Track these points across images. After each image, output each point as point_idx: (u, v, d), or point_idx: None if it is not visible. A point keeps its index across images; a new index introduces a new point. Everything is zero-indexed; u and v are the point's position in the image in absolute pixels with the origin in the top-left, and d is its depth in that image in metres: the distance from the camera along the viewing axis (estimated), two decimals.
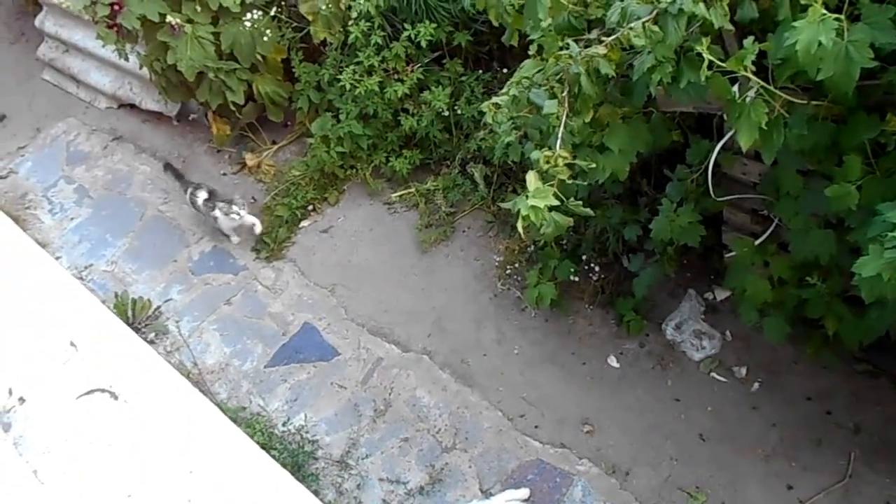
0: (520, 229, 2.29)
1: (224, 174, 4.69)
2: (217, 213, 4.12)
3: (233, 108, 4.37)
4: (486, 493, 3.13)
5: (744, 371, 3.27)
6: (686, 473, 3.04)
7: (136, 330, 3.88)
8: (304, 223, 4.36)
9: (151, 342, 3.93)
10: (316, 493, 3.25)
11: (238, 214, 4.07)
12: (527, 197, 2.25)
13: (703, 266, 3.54)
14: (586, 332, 3.59)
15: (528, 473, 3.18)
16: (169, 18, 3.93)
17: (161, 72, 4.29)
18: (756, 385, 3.21)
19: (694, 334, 3.43)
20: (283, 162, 4.62)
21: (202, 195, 4.22)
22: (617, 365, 3.44)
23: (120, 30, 4.08)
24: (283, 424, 3.56)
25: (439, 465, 3.29)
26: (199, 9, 4.04)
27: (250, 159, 4.63)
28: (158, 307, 4.12)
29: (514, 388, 3.46)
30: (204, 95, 4.30)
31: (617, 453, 3.17)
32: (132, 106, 5.09)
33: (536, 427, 3.32)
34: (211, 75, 4.17)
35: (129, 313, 4.04)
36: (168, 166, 4.55)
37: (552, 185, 2.25)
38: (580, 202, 2.29)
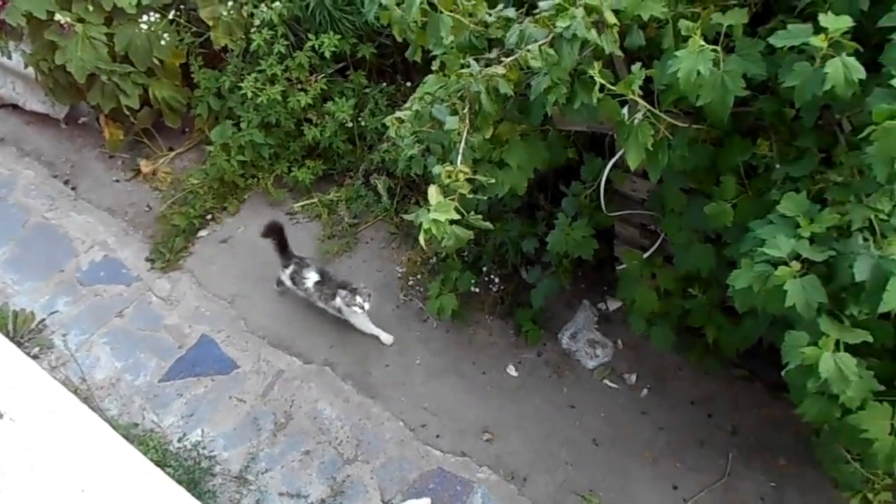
0: (422, 242, 2.33)
1: (117, 181, 4.51)
2: (339, 302, 3.57)
3: (127, 112, 4.22)
4: (388, 503, 3.15)
5: (634, 378, 3.43)
6: (580, 478, 3.16)
7: (18, 344, 3.67)
8: (202, 233, 4.25)
9: (35, 357, 3.72)
10: None
11: (361, 307, 3.51)
12: (429, 210, 2.29)
13: (597, 278, 3.70)
14: (486, 343, 3.67)
15: (430, 482, 3.21)
16: (58, 17, 3.76)
17: (48, 72, 4.09)
18: (645, 391, 3.38)
19: (588, 343, 3.57)
20: (181, 169, 4.49)
21: (312, 276, 3.66)
22: (516, 374, 3.54)
23: (3, 26, 3.87)
24: (179, 440, 3.45)
25: (341, 477, 3.27)
26: (91, 8, 3.89)
27: (145, 166, 4.48)
28: (43, 320, 3.91)
29: (415, 398, 3.49)
30: (96, 98, 4.13)
31: (516, 460, 3.25)
32: (14, 107, 4.82)
33: (438, 436, 3.36)
34: (104, 78, 4.01)
35: (10, 327, 3.82)
36: (273, 229, 3.75)
37: (453, 200, 2.31)
38: (480, 216, 2.36)
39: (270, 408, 3.54)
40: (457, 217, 2.26)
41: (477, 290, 3.68)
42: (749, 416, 3.24)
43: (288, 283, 3.75)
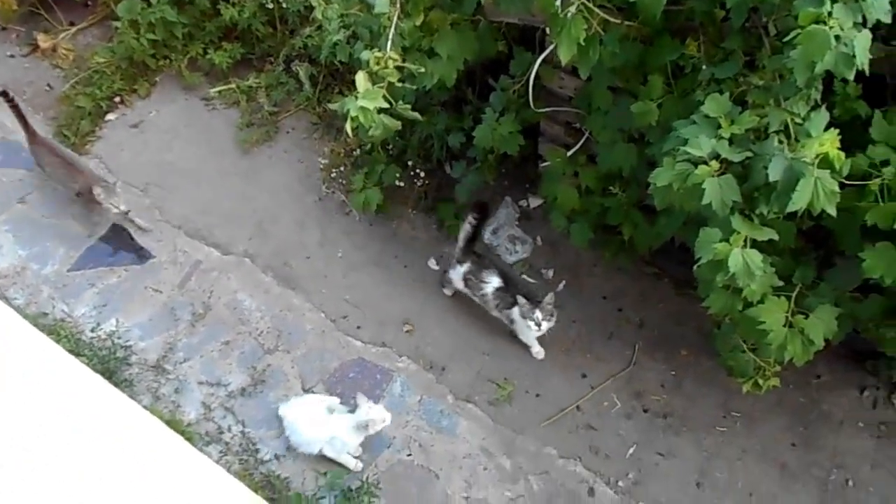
0: (348, 130, 2.28)
1: (11, 56, 4.16)
2: (516, 314, 3.13)
3: None
4: (308, 391, 3.20)
5: (551, 273, 3.54)
6: (496, 367, 3.29)
7: None
8: (110, 116, 4.01)
9: None
10: (130, 398, 3.15)
11: (538, 325, 3.05)
12: (356, 98, 2.23)
13: (520, 175, 3.73)
14: (409, 236, 3.69)
15: (350, 371, 3.28)
16: None
17: None
18: (561, 286, 3.50)
19: (509, 239, 3.64)
20: (84, 46, 4.17)
21: (493, 281, 3.17)
22: (437, 267, 3.59)
23: None
24: (92, 330, 3.37)
25: (261, 366, 3.29)
26: None
27: (44, 41, 4.14)
28: None
29: (337, 290, 3.51)
30: None
31: (434, 350, 3.35)
32: None
33: (359, 328, 3.41)
34: None
35: None
36: (480, 208, 3.22)
37: (382, 88, 2.25)
38: (408, 106, 2.31)
39: (188, 298, 3.48)
40: (385, 106, 2.21)
41: (401, 183, 3.65)
42: (655, 310, 3.41)
43: (459, 284, 3.29)
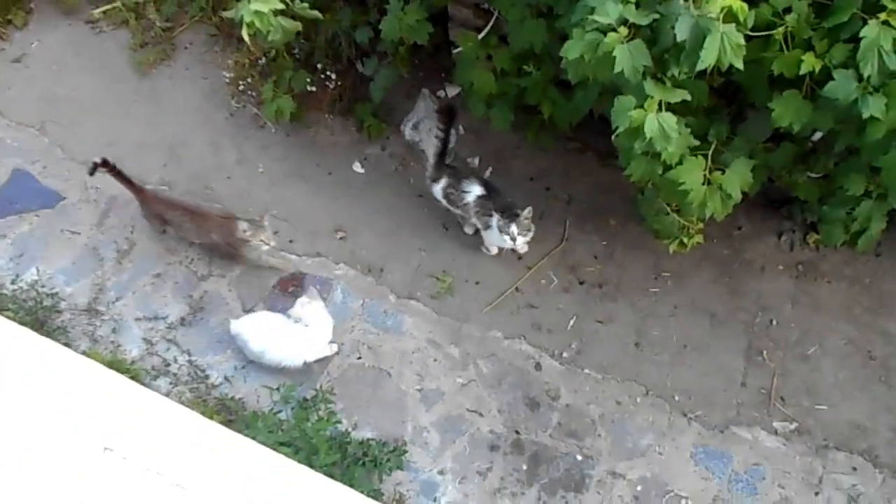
0: (245, 38, 2.16)
1: None
2: (493, 222, 3.04)
3: None
4: (250, 311, 3.17)
5: (477, 161, 3.54)
6: (433, 261, 3.32)
7: None
8: None
9: None
10: (67, 345, 3.07)
11: (513, 239, 3.00)
12: (249, 2, 2.10)
13: (434, 65, 3.64)
14: (329, 142, 3.60)
15: (289, 286, 3.26)
16: None
17: None
18: (488, 172, 3.50)
19: (430, 132, 3.59)
20: None
21: (475, 190, 3.08)
22: (362, 170, 3.53)
23: None
24: (13, 282, 3.24)
25: (198, 294, 3.24)
26: None
27: None
28: None
29: (263, 206, 3.42)
30: None
31: (370, 253, 3.35)
32: None
33: (291, 241, 3.37)
34: None
35: None
36: (447, 111, 3.10)
37: None
38: (306, 4, 2.20)
39: (109, 236, 3.36)
40: (281, 7, 2.09)
41: (313, 88, 3.52)
42: (582, 184, 3.47)
43: (442, 202, 3.20)
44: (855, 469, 2.85)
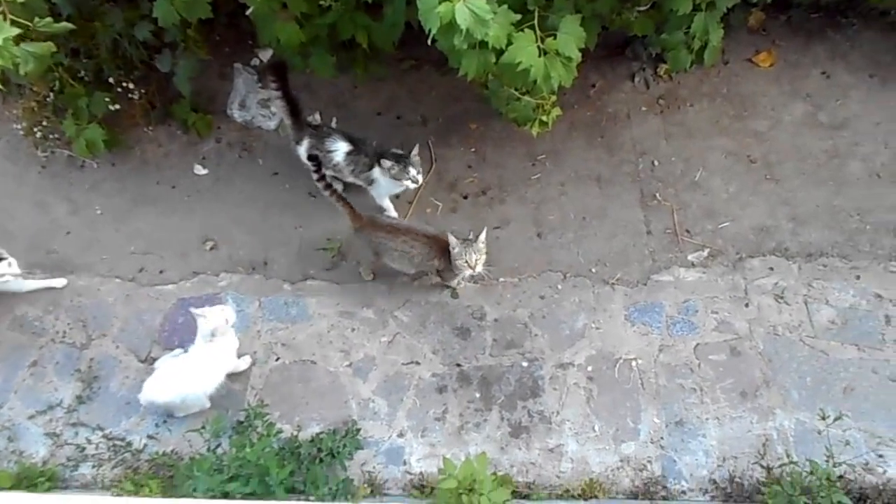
0: None
1: None
2: (377, 174, 2.90)
3: None
4: (148, 360, 2.92)
5: (318, 116, 3.32)
6: (313, 233, 3.14)
7: None
8: None
9: None
10: None
11: (415, 181, 2.85)
12: None
13: (237, 35, 3.38)
14: (160, 155, 3.30)
15: (178, 316, 3.01)
16: None
17: None
18: (334, 122, 3.27)
19: (260, 105, 3.35)
20: None
21: (341, 147, 2.93)
22: (205, 171, 3.27)
23: None
24: None
25: (85, 366, 2.93)
26: None
27: None
28: None
29: (117, 248, 3.13)
30: None
31: (248, 251, 3.13)
32: None
33: (162, 272, 3.10)
34: None
35: None
36: (277, 70, 2.90)
37: (2, 13, 1.82)
38: (49, 19, 1.91)
39: None
40: (17, 31, 1.80)
41: (117, 106, 3.19)
42: (430, 101, 3.33)
43: (307, 164, 2.89)
44: (772, 269, 2.93)
